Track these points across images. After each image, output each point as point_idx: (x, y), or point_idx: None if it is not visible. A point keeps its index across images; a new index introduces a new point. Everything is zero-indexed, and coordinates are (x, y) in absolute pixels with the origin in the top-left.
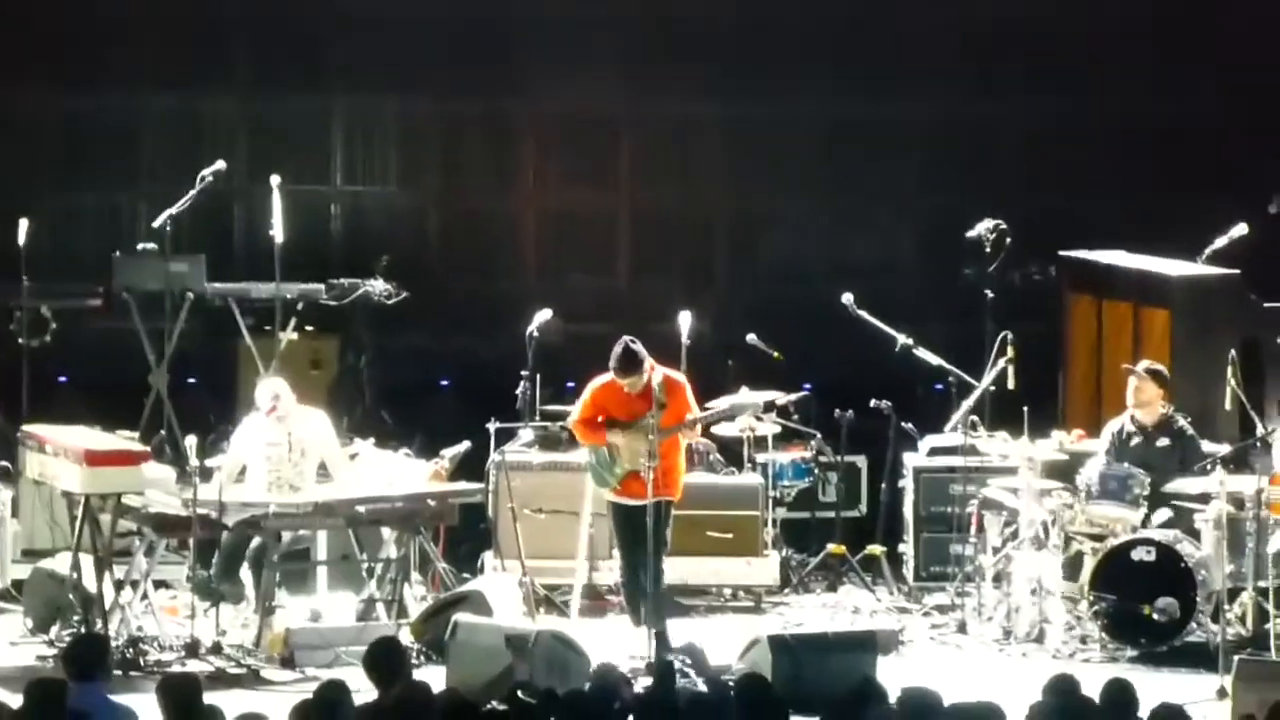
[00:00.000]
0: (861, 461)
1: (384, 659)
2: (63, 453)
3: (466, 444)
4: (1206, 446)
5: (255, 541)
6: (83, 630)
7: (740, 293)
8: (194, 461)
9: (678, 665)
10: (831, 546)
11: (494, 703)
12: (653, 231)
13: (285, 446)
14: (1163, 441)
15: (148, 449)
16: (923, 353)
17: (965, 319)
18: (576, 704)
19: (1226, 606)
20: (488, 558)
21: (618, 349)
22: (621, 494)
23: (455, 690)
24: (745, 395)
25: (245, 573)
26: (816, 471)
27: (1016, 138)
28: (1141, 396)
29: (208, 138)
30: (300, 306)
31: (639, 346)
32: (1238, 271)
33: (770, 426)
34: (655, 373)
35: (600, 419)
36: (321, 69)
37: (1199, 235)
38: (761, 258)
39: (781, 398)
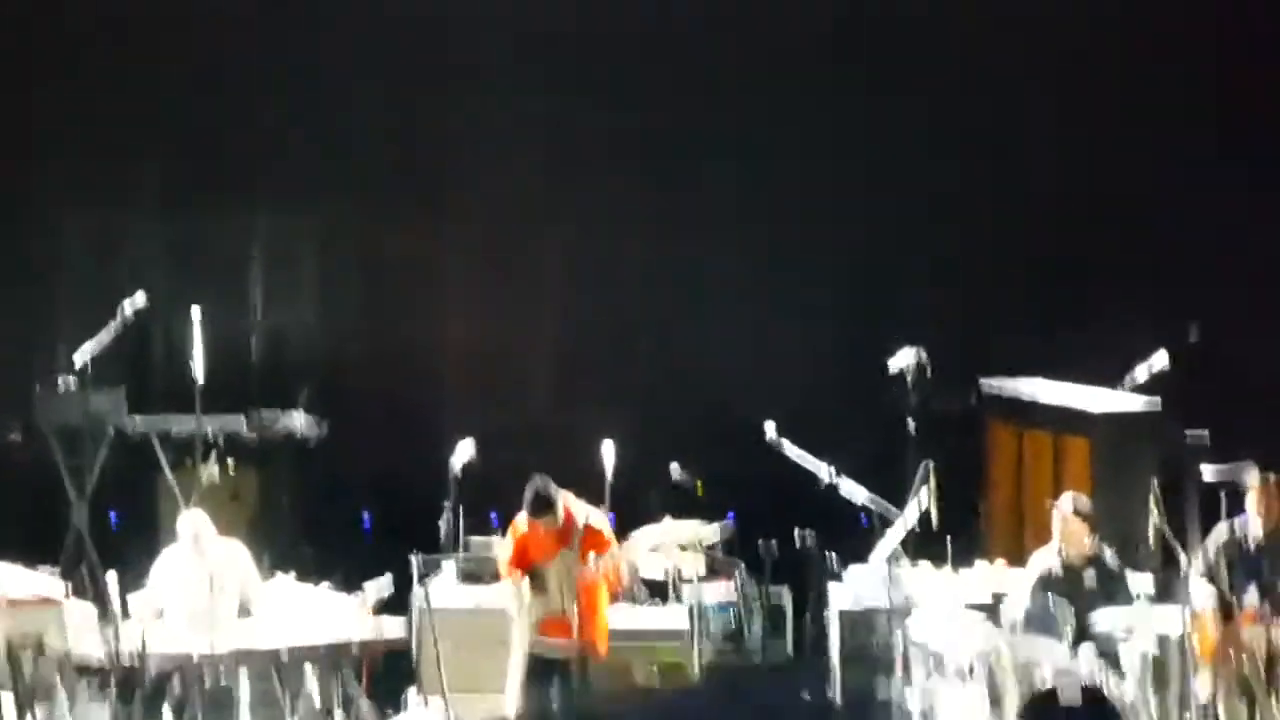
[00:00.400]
0: (786, 596)
1: None
2: None
3: (388, 577)
4: (1130, 577)
5: (177, 689)
6: None
7: (663, 420)
8: (115, 603)
9: None
10: None
11: None
12: (576, 358)
13: (204, 582)
14: (1089, 575)
15: (68, 588)
16: (846, 487)
17: (887, 443)
18: None
19: None
20: (411, 694)
21: (529, 492)
22: (541, 634)
23: None
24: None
25: (168, 713)
26: (740, 611)
27: (935, 266)
28: (1065, 533)
29: (128, 264)
30: (221, 440)
31: (549, 486)
32: (1158, 398)
33: (695, 561)
34: (576, 509)
35: (527, 560)
36: (242, 194)
37: (1120, 362)
38: (684, 386)
39: (706, 528)
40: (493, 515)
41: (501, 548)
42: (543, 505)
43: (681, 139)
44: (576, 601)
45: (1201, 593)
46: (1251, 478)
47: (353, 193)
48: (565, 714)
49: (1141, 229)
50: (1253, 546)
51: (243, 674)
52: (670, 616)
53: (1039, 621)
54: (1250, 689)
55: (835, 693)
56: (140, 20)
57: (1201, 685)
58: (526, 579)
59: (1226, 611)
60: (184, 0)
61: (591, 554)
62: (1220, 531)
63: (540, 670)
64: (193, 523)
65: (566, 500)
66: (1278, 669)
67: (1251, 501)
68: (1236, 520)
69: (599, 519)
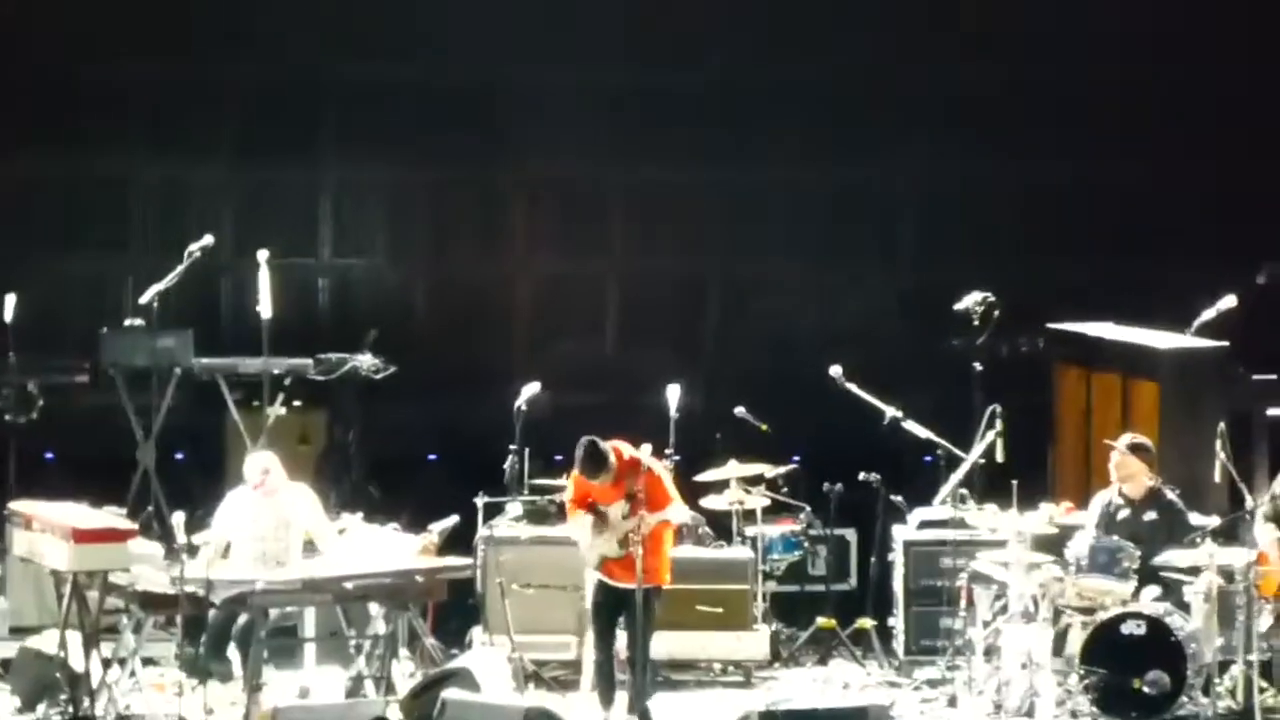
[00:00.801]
0: (851, 535)
1: None
2: (50, 530)
3: (455, 519)
4: (1197, 519)
5: (242, 619)
6: (69, 710)
7: (729, 361)
8: (181, 538)
9: None
10: (821, 620)
11: None
12: (642, 300)
13: (271, 522)
14: (1150, 514)
15: (135, 525)
16: (912, 426)
17: (954, 389)
18: None
19: (1217, 680)
20: (476, 633)
21: (580, 452)
22: (605, 572)
23: None
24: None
25: (233, 650)
26: (806, 545)
27: (1007, 206)
28: (1123, 471)
29: (196, 209)
30: (288, 381)
31: (599, 446)
32: (1226, 344)
33: (760, 500)
34: (630, 461)
35: (589, 500)
36: (310, 140)
37: (1188, 306)
38: (750, 326)
39: (771, 470)
40: (558, 457)
41: (569, 487)
42: (594, 467)
43: (749, 83)
44: (624, 551)
45: (1265, 533)
46: None
47: (421, 136)
48: (633, 646)
49: (1211, 169)
50: None
51: (309, 613)
52: (734, 553)
53: (1102, 560)
54: None
55: (899, 624)
56: None
57: (1264, 623)
58: (591, 515)
59: None
60: None
61: (644, 513)
62: None
63: (608, 599)
64: (262, 463)
65: (620, 451)
66: None
67: None
68: None
69: (655, 473)
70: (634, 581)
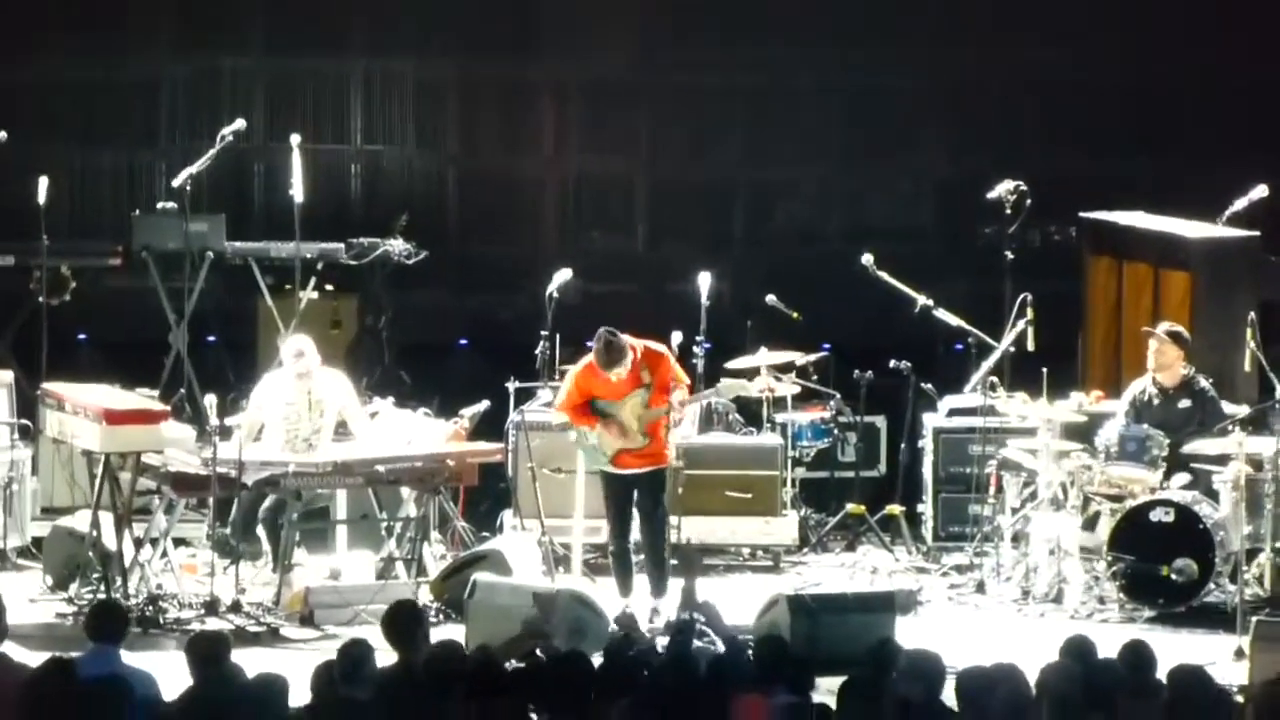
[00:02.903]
0: (881, 422)
1: (404, 623)
2: (82, 411)
3: (486, 403)
4: (1226, 408)
5: (269, 500)
6: (100, 589)
7: (759, 253)
8: (213, 420)
9: (696, 625)
10: (850, 506)
11: (512, 662)
12: (672, 193)
13: (304, 404)
14: (1183, 403)
15: (167, 408)
16: (942, 313)
17: (985, 279)
18: (597, 664)
19: (1244, 567)
20: (507, 517)
21: (599, 344)
22: (616, 464)
23: (485, 649)
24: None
25: (261, 531)
26: (835, 432)
27: (1036, 98)
28: (1162, 359)
29: (227, 96)
30: (320, 266)
31: (618, 337)
32: (1258, 234)
33: (789, 387)
34: (646, 352)
35: (586, 400)
36: (342, 28)
37: (1219, 197)
38: (780, 218)
39: (801, 358)
40: (589, 343)
41: (562, 386)
42: (613, 357)
43: None
44: (646, 442)
45: None
46: None
47: (451, 30)
48: (649, 527)
49: (1245, 61)
50: None
51: (340, 496)
52: (763, 440)
53: (1131, 448)
54: None
55: (928, 510)
56: None
57: None
58: (598, 427)
59: None
60: None
61: (673, 395)
62: None
63: (620, 488)
64: (298, 345)
65: (633, 345)
66: None
67: None
68: None
69: (663, 356)
70: (646, 464)
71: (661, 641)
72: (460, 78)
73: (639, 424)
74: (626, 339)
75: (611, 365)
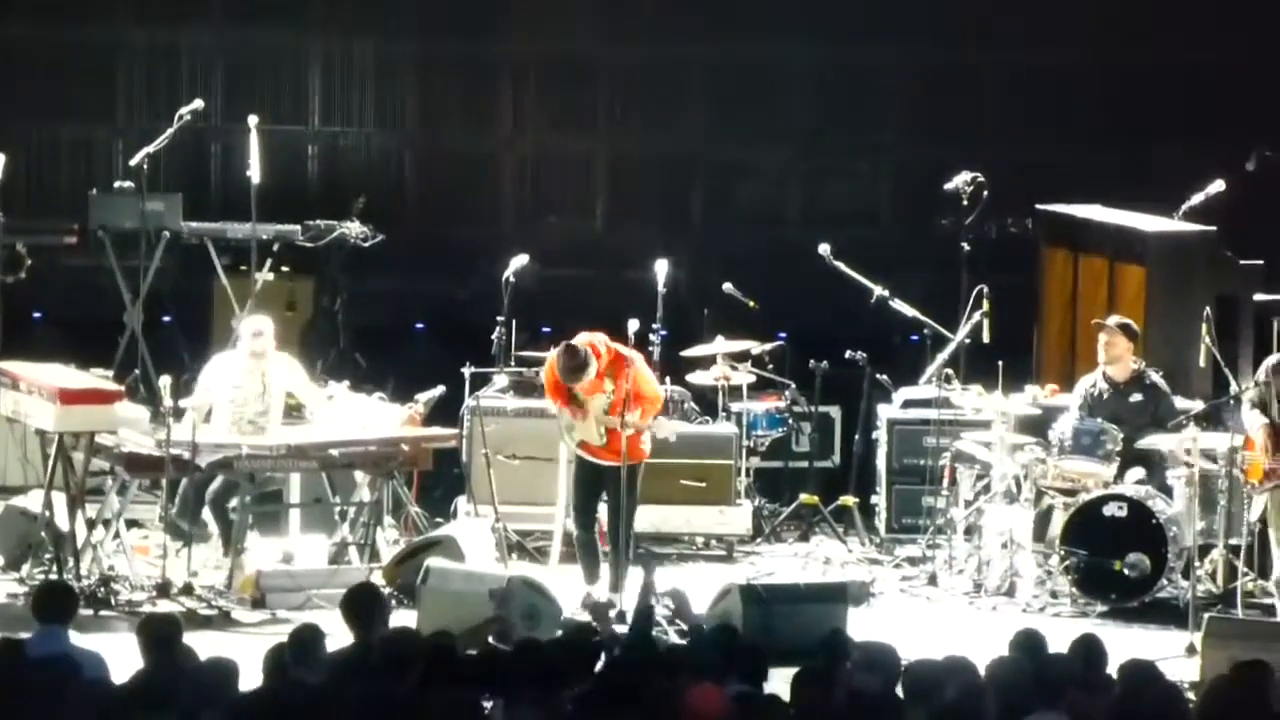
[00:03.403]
0: (835, 412)
1: (363, 604)
2: (36, 390)
3: (441, 388)
4: (1180, 403)
5: (217, 482)
6: (52, 569)
7: (717, 239)
8: (167, 401)
9: (657, 613)
10: (804, 497)
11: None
12: (630, 176)
13: (256, 387)
14: (1135, 396)
15: (121, 388)
16: (899, 304)
17: (941, 270)
18: (554, 651)
19: (1197, 563)
20: (461, 503)
21: (560, 358)
22: (585, 450)
23: (441, 635)
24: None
25: (208, 512)
26: (790, 421)
27: (995, 88)
28: (1112, 351)
29: (185, 74)
30: (276, 247)
31: (578, 354)
32: (1214, 228)
33: (745, 376)
34: (615, 357)
35: (564, 388)
36: (300, 7)
37: (1176, 191)
38: (739, 204)
39: (757, 347)
40: (545, 329)
41: (545, 368)
42: (574, 372)
43: None
44: (605, 440)
45: (1251, 419)
46: None
47: (410, 9)
48: (615, 517)
49: (1203, 55)
50: None
51: (294, 479)
52: (718, 429)
53: (1085, 442)
54: None
55: (881, 502)
56: None
57: (1251, 508)
58: (566, 408)
59: (1276, 438)
60: None
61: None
62: (1271, 360)
63: (589, 475)
64: (256, 325)
65: (603, 349)
66: None
67: None
68: None
69: (631, 362)
70: (611, 459)
71: (622, 629)
72: (420, 56)
73: (597, 426)
74: (599, 343)
75: (571, 379)
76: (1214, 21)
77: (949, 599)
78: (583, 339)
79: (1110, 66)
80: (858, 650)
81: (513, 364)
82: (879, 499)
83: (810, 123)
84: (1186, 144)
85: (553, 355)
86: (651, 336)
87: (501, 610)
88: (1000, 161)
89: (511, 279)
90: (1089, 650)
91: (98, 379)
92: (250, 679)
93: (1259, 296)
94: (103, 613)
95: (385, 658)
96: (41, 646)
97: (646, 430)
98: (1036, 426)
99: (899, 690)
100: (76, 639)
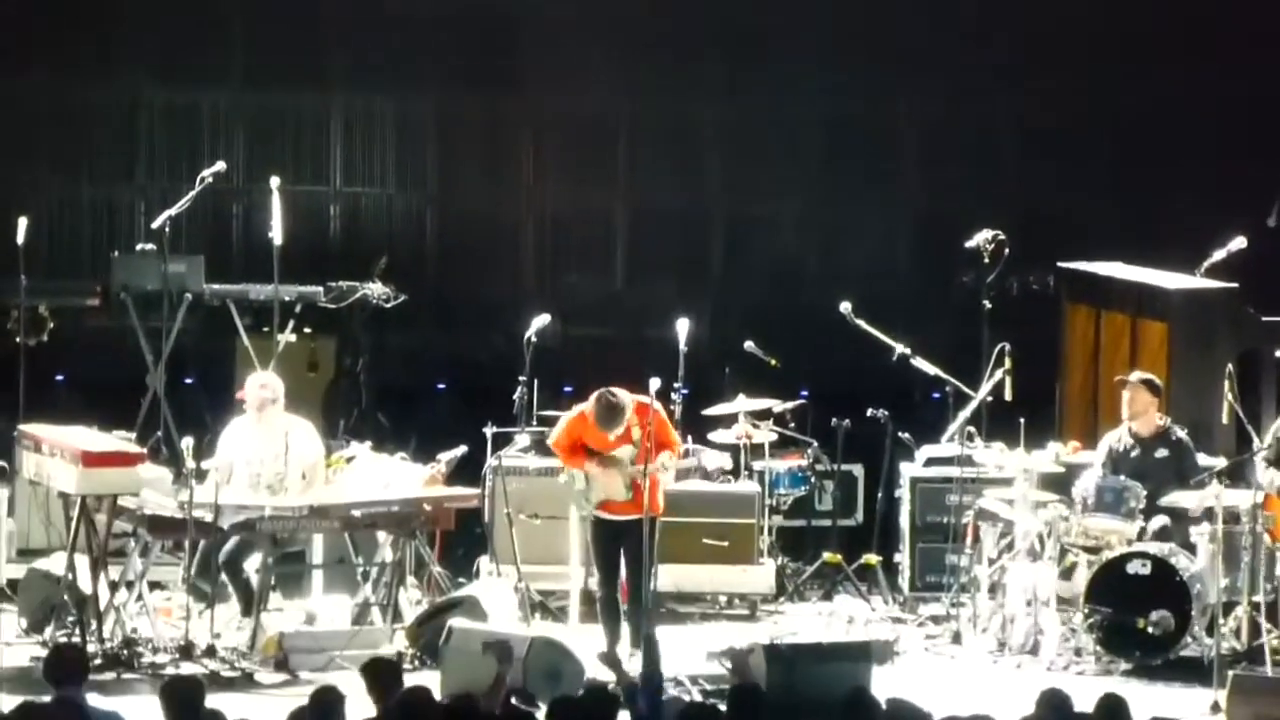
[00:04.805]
0: (858, 470)
1: (381, 676)
2: (59, 453)
3: (463, 448)
4: (1203, 459)
5: (230, 543)
6: (76, 632)
7: (737, 295)
8: (190, 463)
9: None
10: (827, 555)
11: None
12: (649, 233)
13: (269, 448)
14: (1160, 452)
15: (144, 450)
16: (920, 362)
17: (963, 326)
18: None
19: (1221, 620)
20: (483, 562)
21: (598, 405)
22: (604, 509)
23: (467, 697)
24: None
25: (224, 574)
26: (813, 480)
27: (1016, 145)
28: (1135, 406)
29: (206, 134)
30: (298, 308)
31: (617, 397)
32: (1236, 285)
33: (767, 434)
34: (640, 408)
35: (581, 444)
36: (321, 67)
37: (1198, 248)
38: (758, 260)
39: (779, 405)
40: (567, 388)
41: (558, 425)
42: (611, 418)
43: (753, 20)
44: (630, 495)
45: (1268, 477)
46: None
47: (430, 68)
48: (634, 574)
49: (1222, 114)
50: None
51: (317, 540)
52: (741, 488)
53: (1108, 499)
54: None
55: (905, 560)
56: None
57: (1276, 565)
58: (593, 465)
59: None
60: None
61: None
62: None
63: (609, 534)
64: (259, 380)
65: (628, 408)
66: None
67: None
68: None
69: (656, 413)
70: (634, 512)
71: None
72: (439, 116)
73: (625, 479)
74: (623, 395)
75: (609, 426)
76: (1225, 78)
77: (973, 657)
78: (618, 395)
79: (1128, 127)
80: (889, 707)
81: (534, 423)
82: (902, 557)
83: (827, 177)
84: (1208, 200)
85: (568, 418)
86: (673, 395)
87: (502, 665)
88: (1020, 216)
89: (533, 339)
90: (1113, 709)
91: (120, 441)
92: None
93: None
94: (125, 675)
95: (404, 716)
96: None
97: (673, 470)
98: (1059, 484)
99: None
100: (97, 701)
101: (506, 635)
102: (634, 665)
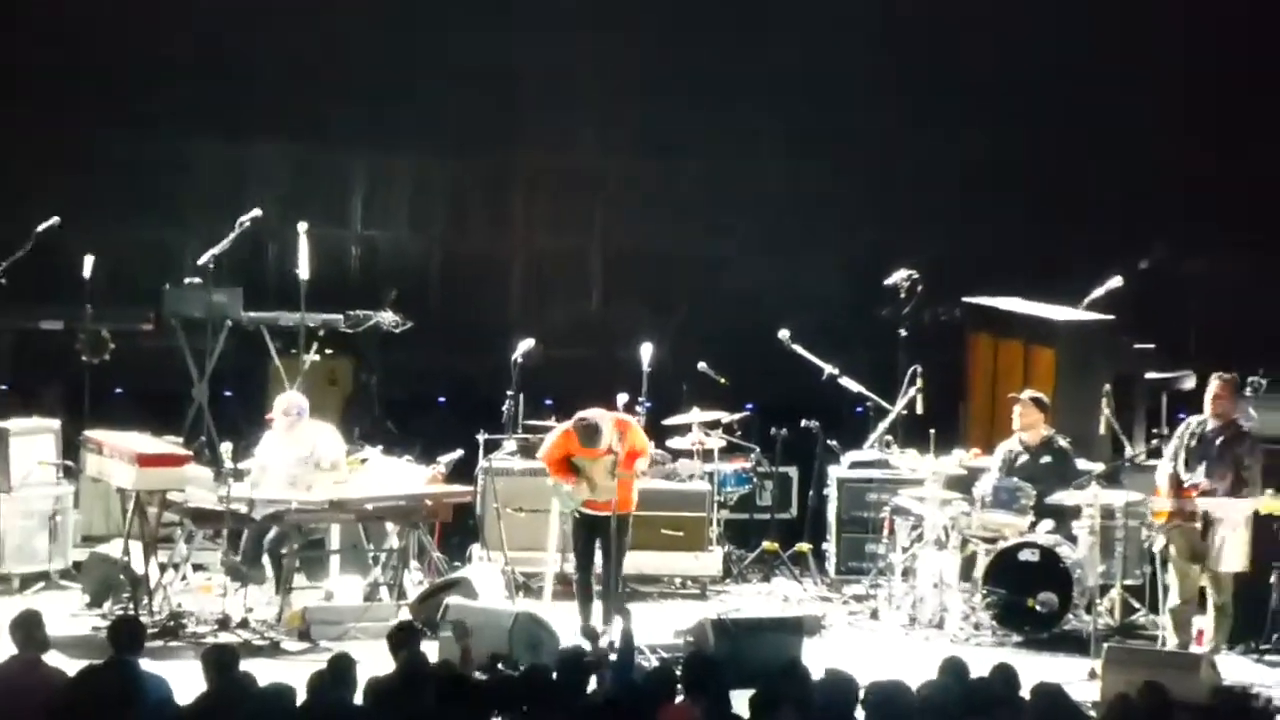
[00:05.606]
0: (793, 472)
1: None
2: (117, 455)
3: (459, 452)
4: (1083, 464)
5: (273, 532)
6: (130, 607)
7: (694, 324)
8: (229, 464)
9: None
10: (766, 544)
11: (476, 674)
12: (621, 269)
13: (299, 453)
14: (1046, 459)
15: (190, 453)
16: (847, 381)
17: (882, 351)
18: (550, 676)
19: (1098, 601)
20: (475, 549)
21: (580, 430)
22: (589, 506)
23: (448, 663)
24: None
25: (266, 559)
26: (755, 480)
27: (927, 197)
28: (1025, 420)
29: (248, 182)
30: (322, 333)
31: (592, 420)
32: (1113, 317)
33: (717, 441)
34: (619, 424)
35: (568, 457)
36: (345, 127)
37: (1082, 285)
38: (711, 295)
39: (727, 417)
40: (547, 401)
41: (547, 442)
42: (590, 437)
43: (720, 82)
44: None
45: (1162, 469)
46: (1191, 383)
47: (438, 129)
48: (609, 560)
49: (1102, 169)
50: (1207, 435)
51: (334, 529)
52: (694, 486)
53: (1003, 497)
54: (1197, 553)
55: (832, 548)
56: None
57: (1156, 545)
58: (572, 481)
59: (1178, 488)
60: None
61: (637, 460)
62: (1186, 422)
63: (587, 526)
64: (284, 401)
65: (603, 421)
66: (1209, 533)
67: (1207, 399)
68: (1197, 417)
69: (631, 426)
70: (609, 510)
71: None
72: (445, 170)
73: (610, 481)
74: (600, 414)
75: (591, 444)
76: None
77: (889, 631)
78: (592, 413)
79: (1022, 176)
80: (826, 675)
81: (520, 431)
82: (830, 546)
83: (773, 223)
84: (1092, 244)
85: (556, 433)
86: (638, 408)
87: (460, 639)
88: (931, 258)
89: (519, 359)
90: (1006, 675)
91: (170, 445)
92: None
93: (1150, 375)
94: (172, 643)
95: (404, 679)
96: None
97: (647, 475)
98: (962, 484)
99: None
100: (148, 665)
101: (487, 609)
102: (606, 638)
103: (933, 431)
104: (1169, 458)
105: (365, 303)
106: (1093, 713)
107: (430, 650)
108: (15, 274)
